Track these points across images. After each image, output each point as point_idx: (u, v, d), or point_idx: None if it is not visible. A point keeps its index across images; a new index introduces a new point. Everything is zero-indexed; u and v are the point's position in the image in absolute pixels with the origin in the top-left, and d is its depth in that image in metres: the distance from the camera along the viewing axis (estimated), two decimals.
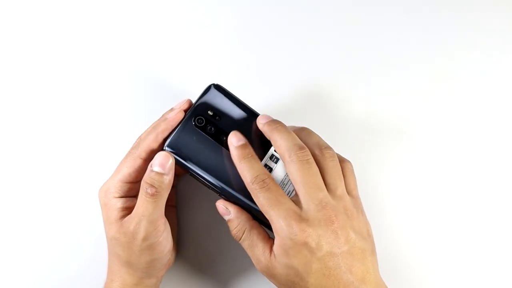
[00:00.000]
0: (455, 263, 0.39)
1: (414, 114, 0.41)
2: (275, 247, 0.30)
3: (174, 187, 0.39)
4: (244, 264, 0.39)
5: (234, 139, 0.32)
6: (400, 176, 0.40)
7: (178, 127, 0.33)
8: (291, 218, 0.29)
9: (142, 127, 0.36)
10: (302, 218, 0.29)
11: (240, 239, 0.32)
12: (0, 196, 0.40)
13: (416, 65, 0.42)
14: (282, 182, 0.33)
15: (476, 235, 0.40)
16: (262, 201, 0.30)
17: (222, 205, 0.33)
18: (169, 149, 0.32)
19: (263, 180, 0.30)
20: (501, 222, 0.40)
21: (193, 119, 0.33)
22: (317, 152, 0.32)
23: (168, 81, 0.41)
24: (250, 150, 0.32)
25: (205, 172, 0.32)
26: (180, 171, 0.38)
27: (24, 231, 0.39)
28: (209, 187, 0.33)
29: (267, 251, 0.31)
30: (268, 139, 0.33)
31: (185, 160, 0.32)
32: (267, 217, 0.30)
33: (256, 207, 0.31)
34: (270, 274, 0.31)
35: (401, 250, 0.39)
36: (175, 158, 0.32)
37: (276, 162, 0.33)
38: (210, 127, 0.33)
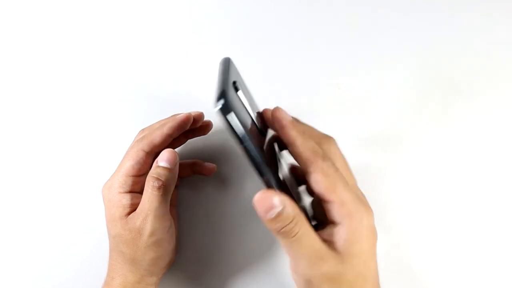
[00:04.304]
0: (454, 265, 0.39)
1: (415, 116, 0.42)
2: (341, 238, 0.26)
3: (177, 187, 0.39)
4: (244, 264, 0.39)
5: (287, 115, 0.29)
6: (400, 177, 0.41)
7: (222, 84, 0.25)
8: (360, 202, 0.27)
9: (143, 127, 0.36)
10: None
11: (295, 235, 0.26)
12: (1, 196, 0.39)
13: (416, 66, 0.43)
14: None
15: (476, 236, 0.40)
16: (338, 184, 0.27)
17: (274, 196, 0.25)
18: (223, 103, 0.24)
19: (333, 164, 0.27)
20: (500, 224, 0.40)
21: (232, 85, 0.27)
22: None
23: (171, 79, 0.42)
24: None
25: (256, 148, 0.26)
26: (184, 172, 0.38)
27: (24, 231, 0.39)
28: (257, 165, 0.26)
29: (324, 247, 0.27)
30: (289, 141, 0.28)
31: (242, 126, 0.25)
32: (335, 199, 0.26)
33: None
34: (338, 276, 0.27)
35: (401, 251, 0.40)
36: (233, 120, 0.24)
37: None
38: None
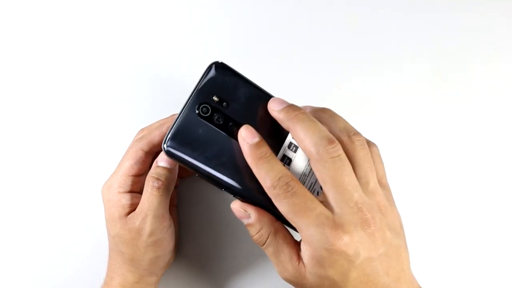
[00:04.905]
0: (452, 265, 0.40)
1: (415, 116, 0.42)
2: (305, 257, 0.27)
3: (176, 187, 0.39)
4: (244, 264, 0.39)
5: (248, 136, 0.27)
6: (400, 178, 0.41)
7: (178, 119, 0.28)
8: (324, 225, 0.25)
9: (143, 126, 0.36)
10: (336, 224, 0.25)
11: (264, 244, 0.28)
12: (1, 196, 0.39)
13: (416, 66, 0.43)
14: (304, 174, 0.29)
15: (476, 237, 0.40)
16: (287, 208, 0.26)
17: (239, 208, 0.28)
18: (169, 146, 0.27)
19: (286, 184, 0.26)
20: (499, 225, 0.40)
21: (196, 107, 0.28)
22: (345, 139, 0.27)
23: (171, 79, 0.42)
24: (266, 148, 0.27)
25: (216, 171, 0.28)
26: (184, 173, 0.38)
27: (24, 231, 0.39)
28: (221, 187, 0.28)
29: (295, 257, 0.27)
30: (286, 129, 0.28)
31: (190, 158, 0.27)
32: (293, 225, 0.26)
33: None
34: (299, 284, 0.28)
35: None
36: (178, 157, 0.27)
37: (295, 151, 0.29)
38: (217, 117, 0.28)
